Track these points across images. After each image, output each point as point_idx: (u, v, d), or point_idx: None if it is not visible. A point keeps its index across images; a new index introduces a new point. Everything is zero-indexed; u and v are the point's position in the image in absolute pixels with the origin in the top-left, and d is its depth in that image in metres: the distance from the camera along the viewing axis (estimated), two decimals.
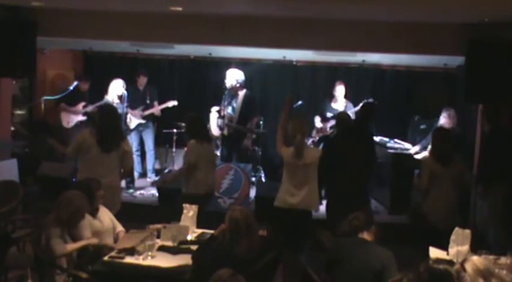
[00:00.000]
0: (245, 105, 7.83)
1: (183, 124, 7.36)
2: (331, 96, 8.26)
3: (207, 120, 8.56)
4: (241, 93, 7.86)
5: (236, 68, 8.23)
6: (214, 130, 8.26)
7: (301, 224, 5.55)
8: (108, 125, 5.60)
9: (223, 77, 7.98)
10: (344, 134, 6.35)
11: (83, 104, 8.48)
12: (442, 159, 5.56)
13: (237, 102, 7.88)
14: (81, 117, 8.47)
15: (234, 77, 7.81)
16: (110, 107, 6.93)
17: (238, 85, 7.80)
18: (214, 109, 8.26)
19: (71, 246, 4.36)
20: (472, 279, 2.65)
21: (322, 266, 4.08)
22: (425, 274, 2.61)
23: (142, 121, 8.57)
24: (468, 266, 2.70)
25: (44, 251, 4.27)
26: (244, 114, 7.86)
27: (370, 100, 7.36)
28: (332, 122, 7.91)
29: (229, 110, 7.91)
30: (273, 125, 8.85)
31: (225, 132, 8.02)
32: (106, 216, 4.85)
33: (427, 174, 5.59)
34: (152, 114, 8.65)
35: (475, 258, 2.78)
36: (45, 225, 4.33)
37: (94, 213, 4.72)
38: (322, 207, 6.18)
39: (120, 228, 4.88)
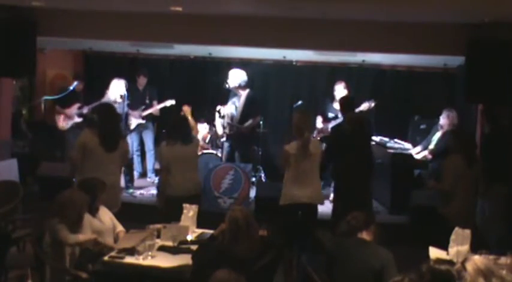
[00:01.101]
0: (247, 105, 7.83)
1: None
2: (333, 97, 8.25)
3: (208, 120, 8.61)
4: (244, 93, 7.85)
5: (237, 68, 8.21)
6: (219, 129, 8.28)
7: (308, 219, 5.56)
8: (109, 125, 5.59)
9: (223, 77, 7.97)
10: (357, 133, 6.28)
11: (77, 105, 8.46)
12: (469, 159, 5.55)
13: (240, 102, 7.88)
14: (76, 119, 8.45)
15: (235, 77, 7.81)
16: (108, 106, 6.87)
17: (238, 85, 7.79)
18: (218, 108, 8.26)
19: (83, 237, 4.34)
20: (473, 279, 2.66)
21: (322, 266, 4.08)
22: (427, 275, 2.60)
23: (142, 121, 8.56)
24: (469, 266, 2.70)
25: (51, 246, 4.26)
26: (247, 114, 7.86)
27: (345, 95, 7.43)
28: (333, 123, 7.89)
29: (233, 109, 7.91)
30: (273, 124, 8.88)
31: (227, 130, 8.02)
32: (106, 216, 4.83)
33: (452, 174, 5.55)
34: (152, 114, 8.63)
35: (476, 257, 2.78)
36: (48, 225, 4.32)
37: (94, 212, 4.71)
38: (323, 208, 6.17)
39: (120, 228, 4.87)
